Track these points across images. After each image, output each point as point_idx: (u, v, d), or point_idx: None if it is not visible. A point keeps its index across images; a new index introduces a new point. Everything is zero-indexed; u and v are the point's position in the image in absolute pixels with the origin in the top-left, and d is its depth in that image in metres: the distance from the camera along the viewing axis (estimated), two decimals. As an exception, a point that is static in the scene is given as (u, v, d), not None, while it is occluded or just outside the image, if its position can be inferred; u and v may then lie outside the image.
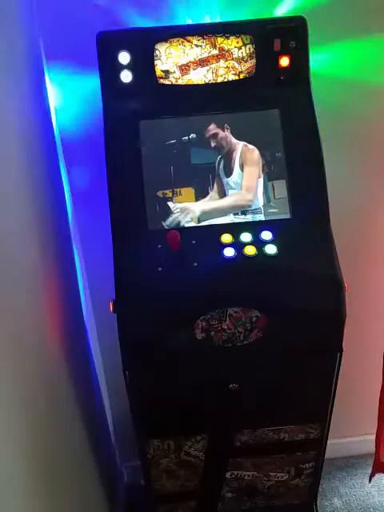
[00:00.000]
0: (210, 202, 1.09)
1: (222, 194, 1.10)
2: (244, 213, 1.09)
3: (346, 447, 1.93)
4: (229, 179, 1.11)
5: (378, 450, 1.69)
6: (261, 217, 1.09)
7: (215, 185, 1.10)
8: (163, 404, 1.18)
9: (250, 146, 1.11)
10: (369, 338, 1.64)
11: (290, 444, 1.31)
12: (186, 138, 1.09)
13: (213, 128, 1.10)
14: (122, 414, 1.36)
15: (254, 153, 1.10)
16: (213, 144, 1.10)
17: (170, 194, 1.09)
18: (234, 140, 1.11)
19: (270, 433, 1.28)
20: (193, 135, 1.10)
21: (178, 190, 1.09)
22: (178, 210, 1.08)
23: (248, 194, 1.09)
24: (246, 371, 1.13)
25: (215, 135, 1.10)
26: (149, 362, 1.10)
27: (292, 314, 1.04)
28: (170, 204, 1.08)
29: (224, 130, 1.10)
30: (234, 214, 1.09)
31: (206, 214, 1.08)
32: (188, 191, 1.10)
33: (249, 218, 1.09)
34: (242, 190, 1.10)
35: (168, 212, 1.08)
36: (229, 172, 1.11)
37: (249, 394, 1.16)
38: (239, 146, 1.11)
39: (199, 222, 1.09)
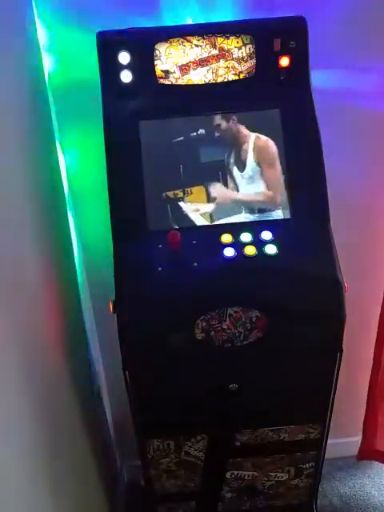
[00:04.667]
0: (231, 193, 1.08)
1: (236, 189, 1.10)
2: (261, 211, 1.08)
3: (346, 447, 1.93)
4: (243, 173, 1.10)
5: (369, 435, 1.73)
6: (279, 213, 1.08)
7: (228, 181, 1.10)
8: (163, 404, 1.18)
9: (263, 138, 1.09)
10: (369, 338, 1.64)
11: (290, 444, 1.31)
12: (195, 133, 1.09)
13: (217, 119, 1.09)
14: (121, 414, 1.36)
15: (271, 146, 1.09)
16: (217, 134, 1.10)
17: (181, 194, 1.09)
18: (244, 131, 1.10)
19: (269, 433, 1.28)
20: (201, 131, 1.09)
21: (188, 189, 1.09)
22: (192, 210, 1.07)
23: (274, 193, 1.08)
24: (245, 371, 1.13)
25: (218, 126, 1.10)
26: (149, 362, 1.10)
27: (292, 314, 1.04)
28: (182, 204, 1.08)
29: (229, 121, 1.09)
30: (251, 213, 1.08)
31: (220, 208, 1.08)
32: (199, 190, 1.09)
33: (265, 215, 1.08)
34: (268, 191, 1.08)
35: (180, 212, 1.08)
36: (242, 166, 1.10)
37: (249, 394, 1.16)
38: (250, 137, 1.10)
39: (212, 220, 1.08)
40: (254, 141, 1.10)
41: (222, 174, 1.10)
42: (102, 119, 1.07)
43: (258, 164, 1.10)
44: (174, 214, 1.08)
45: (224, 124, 1.10)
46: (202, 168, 1.10)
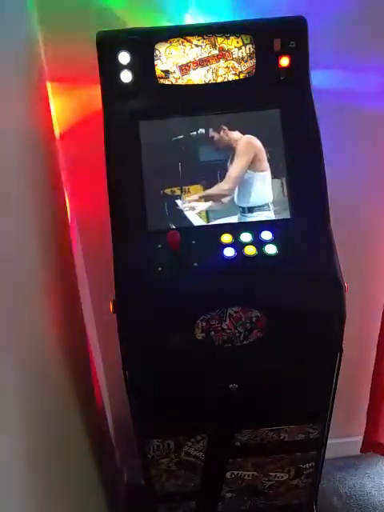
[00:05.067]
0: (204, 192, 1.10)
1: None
2: (251, 210, 1.09)
3: (346, 447, 1.93)
4: None
5: (371, 427, 1.75)
6: (270, 214, 1.09)
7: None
8: (163, 404, 1.18)
9: (247, 136, 1.10)
10: (369, 338, 1.65)
11: (289, 444, 1.31)
12: (194, 133, 1.10)
13: (210, 132, 1.10)
14: (121, 414, 1.36)
15: (243, 142, 1.10)
16: (212, 144, 1.11)
17: (179, 192, 1.09)
18: (235, 136, 1.10)
19: (269, 433, 1.28)
20: (201, 130, 1.10)
21: (186, 187, 1.09)
22: (187, 208, 1.08)
23: (224, 184, 1.09)
24: (246, 371, 1.13)
25: (212, 138, 1.10)
26: (149, 362, 1.10)
27: (292, 314, 1.04)
28: (179, 202, 1.08)
29: (220, 132, 1.10)
30: (242, 213, 1.09)
31: (212, 210, 1.09)
32: (196, 189, 1.10)
33: (256, 215, 1.09)
34: (223, 183, 1.10)
35: (177, 210, 1.08)
36: None
37: (249, 394, 1.16)
38: (241, 139, 1.11)
39: (209, 220, 1.09)
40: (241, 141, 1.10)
41: (220, 173, 1.10)
42: (102, 119, 1.07)
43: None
44: (171, 213, 1.08)
45: (216, 135, 1.10)
46: (200, 167, 1.10)
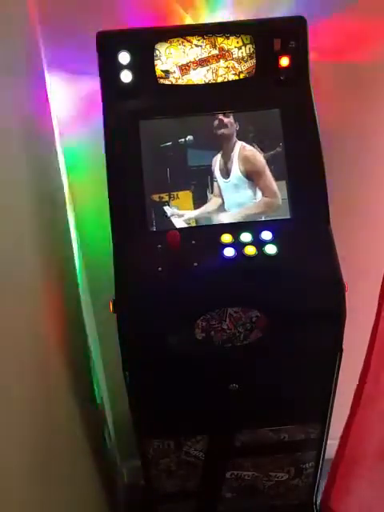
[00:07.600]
0: (240, 210, 1.09)
1: (221, 197, 1.10)
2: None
3: (346, 447, 1.92)
4: (227, 181, 1.10)
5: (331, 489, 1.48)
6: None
7: (215, 188, 1.10)
8: (163, 404, 1.19)
9: (248, 147, 1.10)
10: (369, 337, 1.64)
11: (289, 444, 1.31)
12: (183, 140, 1.09)
13: (220, 115, 1.09)
14: (122, 414, 1.36)
15: (258, 156, 1.10)
16: (216, 126, 1.09)
17: (167, 198, 1.09)
18: (233, 138, 1.10)
19: (269, 433, 1.28)
20: (189, 137, 1.09)
21: (174, 193, 1.09)
22: (175, 216, 1.07)
23: (277, 200, 1.09)
24: (246, 371, 1.13)
25: (220, 121, 1.09)
26: (149, 362, 1.10)
27: (292, 314, 1.04)
28: (166, 209, 1.08)
29: (235, 122, 1.10)
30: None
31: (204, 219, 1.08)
32: (185, 195, 1.09)
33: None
34: (271, 198, 1.09)
35: (164, 216, 1.08)
36: (226, 173, 1.10)
37: (249, 394, 1.16)
38: (237, 145, 1.10)
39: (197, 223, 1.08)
40: (239, 149, 1.10)
41: (210, 180, 1.10)
42: (102, 119, 1.07)
43: (246, 175, 1.10)
44: (159, 217, 1.08)
45: (226, 120, 1.09)
46: (192, 172, 1.10)
